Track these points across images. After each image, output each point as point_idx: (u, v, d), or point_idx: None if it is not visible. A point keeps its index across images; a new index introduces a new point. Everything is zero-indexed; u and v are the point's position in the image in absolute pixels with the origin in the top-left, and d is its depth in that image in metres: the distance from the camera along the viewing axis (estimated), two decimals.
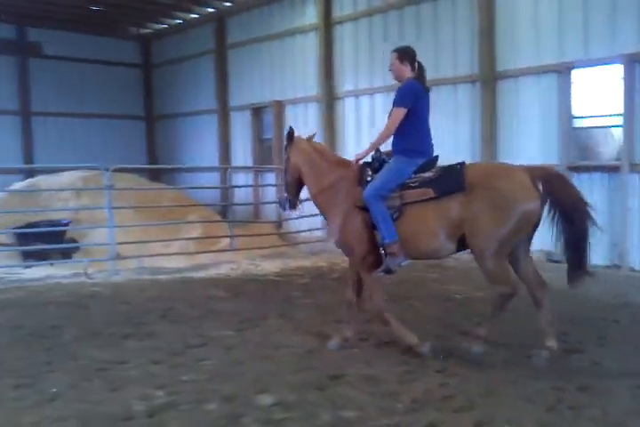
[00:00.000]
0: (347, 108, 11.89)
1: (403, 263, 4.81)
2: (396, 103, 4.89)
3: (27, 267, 9.25)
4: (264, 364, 4.65)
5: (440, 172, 4.74)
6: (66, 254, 9.83)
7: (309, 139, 5.44)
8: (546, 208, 4.54)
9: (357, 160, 5.06)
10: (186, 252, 9.43)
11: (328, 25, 11.98)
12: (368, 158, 5.11)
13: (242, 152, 14.60)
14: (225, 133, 14.75)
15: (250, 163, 14.28)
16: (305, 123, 12.44)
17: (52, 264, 9.29)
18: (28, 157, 14.97)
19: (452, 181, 4.61)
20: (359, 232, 4.87)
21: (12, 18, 14.77)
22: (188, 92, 15.95)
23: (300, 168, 5.26)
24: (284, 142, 5.43)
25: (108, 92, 16.36)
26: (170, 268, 9.23)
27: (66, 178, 11.86)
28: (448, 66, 10.01)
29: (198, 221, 10.65)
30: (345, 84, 11.89)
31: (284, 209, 5.52)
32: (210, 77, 15.10)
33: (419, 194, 4.69)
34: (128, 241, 9.24)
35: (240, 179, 14.19)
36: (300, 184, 5.39)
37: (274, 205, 11.68)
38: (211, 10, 14.84)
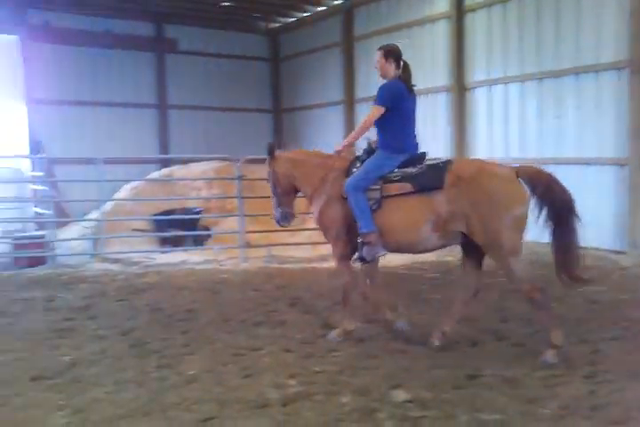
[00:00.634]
0: (478, 99, 11.45)
1: (379, 254, 5.01)
2: (376, 101, 5.08)
3: (163, 252, 9.73)
4: (397, 358, 4.55)
5: (424, 168, 4.88)
6: (198, 241, 10.23)
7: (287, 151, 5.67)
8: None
9: (337, 152, 5.28)
10: (312, 242, 9.49)
11: (460, 13, 11.59)
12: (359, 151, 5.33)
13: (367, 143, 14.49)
14: (351, 125, 14.72)
15: None
16: (434, 114, 12.15)
17: (185, 250, 9.70)
18: (164, 147, 15.75)
19: (432, 177, 4.76)
20: (340, 220, 5.09)
21: (150, 16, 15.57)
22: (315, 85, 16.08)
23: (290, 176, 5.45)
24: (267, 157, 5.56)
25: (237, 85, 16.82)
26: (297, 257, 9.35)
27: (199, 168, 12.38)
28: (590, 52, 9.33)
29: None
30: (476, 73, 11.44)
31: (286, 223, 5.64)
32: (337, 70, 15.12)
33: (397, 188, 4.89)
34: (256, 230, 9.50)
35: None
36: (292, 193, 5.60)
37: None
38: (338, 2, 14.85)
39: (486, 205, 4.52)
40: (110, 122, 15.01)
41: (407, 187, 4.83)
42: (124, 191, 12.11)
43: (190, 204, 11.12)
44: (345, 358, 4.61)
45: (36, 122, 14.07)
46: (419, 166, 4.90)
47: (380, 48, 5.18)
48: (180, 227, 10.03)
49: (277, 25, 17.27)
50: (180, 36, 16.09)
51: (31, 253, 8.86)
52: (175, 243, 9.93)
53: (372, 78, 13.82)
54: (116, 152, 13.86)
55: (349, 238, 5.09)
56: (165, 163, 14.63)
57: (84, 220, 10.70)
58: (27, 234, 10.09)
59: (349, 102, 14.81)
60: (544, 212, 4.58)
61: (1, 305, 6.39)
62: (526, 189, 4.60)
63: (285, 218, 5.57)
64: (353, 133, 5.30)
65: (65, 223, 11.19)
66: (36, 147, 13.73)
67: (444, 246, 5.01)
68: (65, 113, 14.55)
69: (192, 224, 10.30)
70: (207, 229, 10.68)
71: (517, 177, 4.61)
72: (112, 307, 6.36)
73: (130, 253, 9.28)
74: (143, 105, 15.68)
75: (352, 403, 3.70)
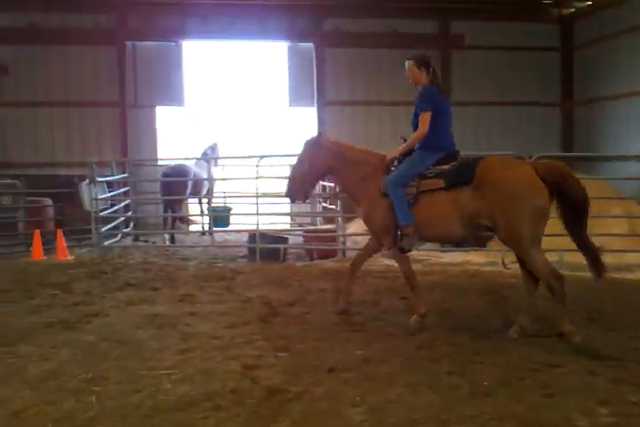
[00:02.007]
0: None
1: (417, 245, 5.59)
2: (422, 109, 5.46)
3: (444, 251, 9.59)
4: None
5: (455, 165, 5.31)
6: (480, 242, 9.87)
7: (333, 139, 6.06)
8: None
9: (391, 158, 5.61)
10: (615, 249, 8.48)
11: None
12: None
13: None
14: None
15: None
16: None
17: (467, 251, 9.44)
18: None
19: (462, 173, 5.19)
20: (383, 215, 5.48)
21: (436, 13, 15.55)
22: (618, 74, 14.49)
23: (329, 165, 5.84)
24: (312, 144, 5.95)
25: (521, 78, 15.95)
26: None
27: None
28: None
29: (624, 217, 9.50)
30: None
31: (300, 200, 6.19)
32: None
33: (431, 184, 5.31)
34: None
35: None
36: (319, 178, 6.26)
37: None
38: None
39: (507, 199, 4.92)
40: (394, 120, 15.36)
41: (439, 183, 5.26)
42: None
43: None
44: None
45: (325, 122, 15.07)
46: (452, 164, 5.33)
47: (409, 58, 5.60)
48: None
49: (571, 10, 15.98)
50: (465, 31, 15.80)
51: (322, 246, 9.40)
52: (457, 242, 9.71)
53: None
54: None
55: (393, 230, 5.48)
56: None
57: None
58: (317, 227, 10.77)
59: None
60: (561, 206, 5.02)
61: (297, 294, 6.83)
62: (544, 184, 4.93)
63: (303, 196, 6.09)
64: (410, 141, 5.56)
65: (351, 218, 11.72)
66: None
67: (473, 239, 5.56)
68: (353, 112, 15.32)
69: None
70: (490, 230, 10.24)
71: (536, 172, 4.98)
72: (399, 304, 6.38)
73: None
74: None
75: None
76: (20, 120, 14.77)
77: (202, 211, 13.07)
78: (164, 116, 15.24)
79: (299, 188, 6.00)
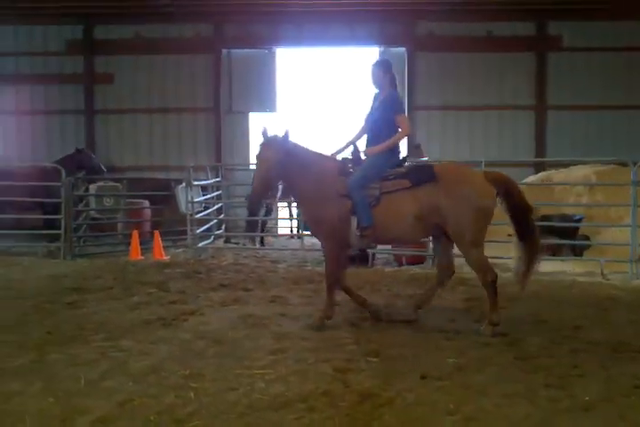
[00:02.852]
0: None
1: (372, 245, 5.82)
2: (400, 111, 5.82)
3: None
4: None
5: (411, 167, 5.85)
6: (577, 251, 9.51)
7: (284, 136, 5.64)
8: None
9: (370, 153, 5.72)
10: None
11: None
12: (346, 154, 5.93)
13: None
14: None
15: None
16: None
17: (562, 260, 9.10)
18: (541, 150, 15.13)
19: (425, 173, 5.53)
20: (340, 216, 5.49)
21: (532, 15, 15.08)
22: None
23: (283, 165, 5.50)
24: (262, 142, 5.63)
25: (622, 80, 15.20)
26: None
27: (580, 172, 11.49)
28: None
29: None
30: None
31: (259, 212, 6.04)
32: None
33: (395, 185, 5.50)
34: None
35: None
36: (276, 182, 5.71)
37: None
38: None
39: (461, 197, 5.34)
40: (486, 125, 15.05)
41: (405, 183, 5.46)
42: None
43: (569, 210, 10.40)
44: None
45: (416, 126, 14.95)
46: (406, 167, 5.80)
47: (375, 64, 5.81)
48: (557, 235, 9.44)
49: None
50: (563, 33, 15.25)
51: (410, 252, 9.31)
52: (552, 251, 9.38)
53: None
54: (489, 155, 13.81)
55: (342, 234, 5.54)
56: (541, 166, 14.07)
57: None
58: None
59: None
60: (508, 211, 5.57)
61: (386, 299, 6.80)
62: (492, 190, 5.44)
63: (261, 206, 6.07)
64: (392, 141, 5.69)
65: None
66: (414, 151, 14.57)
67: (425, 237, 6.03)
68: (444, 117, 15.12)
69: (571, 232, 9.60)
70: (587, 238, 9.85)
71: (485, 178, 5.48)
72: None
73: (505, 258, 9.03)
74: (520, 107, 15.25)
75: None
76: (122, 126, 15.57)
77: (291, 215, 13.27)
78: (256, 121, 15.58)
79: (259, 196, 5.74)
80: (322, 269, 8.88)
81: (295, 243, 12.26)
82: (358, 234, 5.53)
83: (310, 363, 4.62)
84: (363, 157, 5.83)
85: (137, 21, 15.19)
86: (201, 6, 14.76)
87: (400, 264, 9.30)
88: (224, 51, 15.40)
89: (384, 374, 4.36)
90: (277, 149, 5.54)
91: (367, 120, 5.94)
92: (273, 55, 15.50)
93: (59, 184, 10.03)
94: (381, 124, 5.74)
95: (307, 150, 5.86)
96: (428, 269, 8.53)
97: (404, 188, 5.47)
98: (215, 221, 11.76)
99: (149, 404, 3.85)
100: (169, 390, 4.07)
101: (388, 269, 8.99)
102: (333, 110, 15.58)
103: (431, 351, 4.92)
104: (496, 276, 5.49)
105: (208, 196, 12.01)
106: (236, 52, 15.44)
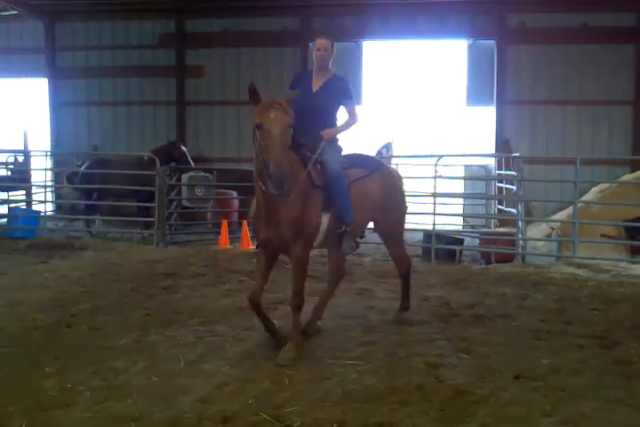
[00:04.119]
0: None
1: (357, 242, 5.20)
2: (353, 97, 5.24)
3: (633, 262, 8.92)
4: None
5: (351, 157, 5.20)
6: None
7: None
8: None
9: (327, 137, 4.94)
10: None
11: None
12: None
13: None
14: None
15: None
16: None
17: None
18: (638, 147, 14.37)
19: (373, 162, 5.42)
20: (317, 212, 4.65)
21: (630, 4, 14.35)
22: None
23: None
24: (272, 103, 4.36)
25: None
26: None
27: None
28: None
29: None
30: None
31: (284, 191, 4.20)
32: None
33: (359, 173, 5.06)
34: None
35: None
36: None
37: None
38: None
39: (400, 192, 5.59)
40: (579, 120, 14.51)
41: (363, 171, 5.09)
42: (591, 193, 11.54)
43: None
44: None
45: (504, 121, 14.60)
46: (345, 155, 5.16)
47: (327, 37, 5.08)
48: None
49: None
50: None
51: (500, 250, 9.13)
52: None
53: None
54: (582, 152, 13.34)
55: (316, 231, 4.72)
56: (638, 164, 13.44)
57: (550, 220, 10.58)
58: (495, 230, 10.50)
59: None
60: None
61: (476, 297, 6.71)
62: None
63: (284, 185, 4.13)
64: (344, 127, 5.18)
65: (528, 222, 11.28)
66: (502, 146, 14.25)
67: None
68: (534, 112, 14.68)
69: None
70: None
71: None
72: (586, 315, 6.03)
73: (598, 259, 8.75)
74: (617, 102, 14.58)
75: None
76: (211, 117, 16.00)
77: None
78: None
79: (286, 167, 4.19)
80: None
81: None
82: (341, 231, 4.83)
83: (401, 357, 4.64)
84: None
85: (225, 15, 15.53)
86: (288, 0, 14.94)
87: (488, 262, 9.13)
88: (311, 44, 15.46)
89: (477, 372, 4.33)
90: (289, 112, 4.37)
91: (301, 101, 4.75)
92: (360, 48, 15.49)
93: (153, 173, 10.42)
94: (328, 110, 5.11)
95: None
96: (518, 267, 8.33)
97: (363, 176, 5.08)
98: None
99: (247, 388, 3.98)
100: (264, 376, 4.19)
101: (475, 266, 8.85)
102: (420, 103, 15.42)
103: (524, 351, 4.84)
104: (411, 264, 5.84)
105: None
106: None
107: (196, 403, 3.76)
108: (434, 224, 9.43)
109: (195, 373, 4.28)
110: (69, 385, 4.00)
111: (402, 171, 13.24)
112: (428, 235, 9.50)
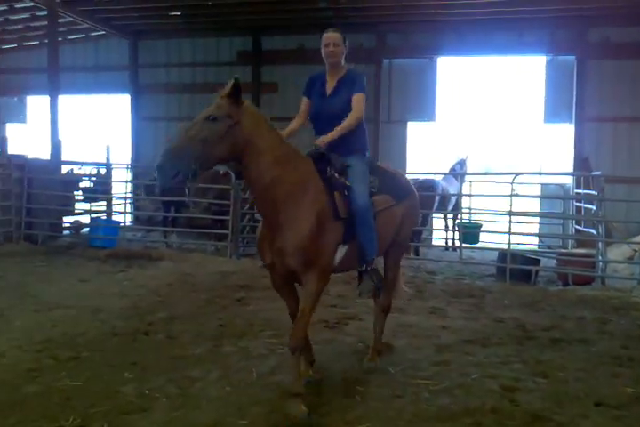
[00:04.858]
0: None
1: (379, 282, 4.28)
2: (363, 89, 4.44)
3: None
4: None
5: (380, 176, 4.44)
6: None
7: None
8: None
9: (323, 145, 4.18)
10: None
11: None
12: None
13: None
14: None
15: None
16: None
17: None
18: None
19: (402, 187, 4.64)
20: (334, 246, 3.97)
21: None
22: None
23: (252, 141, 3.73)
24: (229, 99, 3.69)
25: None
26: None
27: None
28: None
29: None
30: None
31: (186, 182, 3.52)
32: None
33: (383, 201, 4.34)
34: None
35: None
36: (227, 159, 3.78)
37: None
38: None
39: (417, 210, 4.97)
40: None
41: (390, 200, 4.40)
42: None
43: None
44: None
45: (583, 139, 14.16)
46: (375, 175, 4.39)
47: (336, 30, 4.61)
48: None
49: None
50: None
51: (578, 271, 8.80)
52: None
53: None
54: None
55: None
56: None
57: (632, 242, 10.14)
58: (573, 251, 10.14)
59: None
60: None
61: (552, 320, 6.49)
62: None
63: (190, 176, 3.48)
64: (345, 125, 4.28)
65: (609, 244, 10.85)
66: (582, 164, 13.81)
67: None
68: (616, 129, 14.17)
69: None
70: None
71: None
72: None
73: None
74: None
75: None
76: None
77: (447, 226, 13.10)
78: (415, 130, 15.55)
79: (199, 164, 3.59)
80: (482, 283, 8.75)
81: (449, 254, 12.08)
82: (362, 270, 4.23)
83: (475, 378, 4.54)
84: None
85: (301, 32, 15.78)
86: (363, 17, 15.04)
87: (565, 284, 8.82)
88: (385, 60, 15.54)
89: (555, 397, 4.19)
90: (249, 116, 3.81)
91: (317, 106, 4.50)
92: (434, 64, 15.41)
93: (228, 187, 10.66)
94: (345, 114, 4.38)
95: (281, 136, 4.12)
96: (598, 290, 8.01)
97: (390, 206, 4.42)
98: None
99: (318, 402, 3.99)
100: (336, 392, 4.20)
101: (551, 288, 8.57)
102: (496, 120, 15.19)
103: (605, 378, 4.64)
104: None
105: None
106: (396, 61, 15.52)
107: (270, 414, 3.80)
108: (509, 243, 9.19)
109: (267, 384, 4.33)
110: (147, 391, 4.13)
111: (476, 188, 13.42)
112: (503, 254, 9.28)
